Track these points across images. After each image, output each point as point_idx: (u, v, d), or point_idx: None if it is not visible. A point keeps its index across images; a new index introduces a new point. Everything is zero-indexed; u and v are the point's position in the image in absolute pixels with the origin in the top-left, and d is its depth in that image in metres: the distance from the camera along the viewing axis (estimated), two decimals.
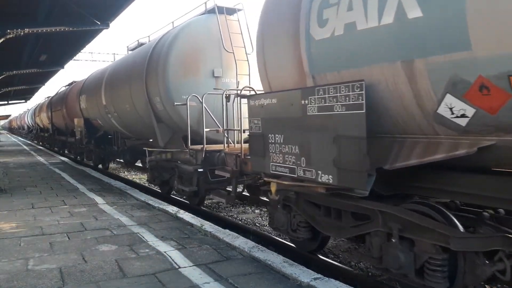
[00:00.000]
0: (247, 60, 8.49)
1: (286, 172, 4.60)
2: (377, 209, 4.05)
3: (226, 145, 7.45)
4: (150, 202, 8.01)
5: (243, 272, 4.19)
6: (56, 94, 23.98)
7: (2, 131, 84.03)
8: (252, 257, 4.61)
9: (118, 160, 17.15)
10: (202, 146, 7.59)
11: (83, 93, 15.19)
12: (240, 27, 8.60)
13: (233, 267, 4.34)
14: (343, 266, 5.39)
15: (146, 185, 12.86)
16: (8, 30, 11.54)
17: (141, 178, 15.04)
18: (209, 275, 4.11)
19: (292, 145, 4.43)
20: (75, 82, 19.75)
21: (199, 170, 7.84)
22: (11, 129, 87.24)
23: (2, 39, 11.79)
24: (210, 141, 7.80)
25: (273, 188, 5.30)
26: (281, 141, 4.59)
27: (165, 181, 9.98)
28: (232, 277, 4.05)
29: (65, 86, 22.37)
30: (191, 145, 7.99)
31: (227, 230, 5.68)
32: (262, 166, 4.98)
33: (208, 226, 5.97)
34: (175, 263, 4.49)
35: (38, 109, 32.06)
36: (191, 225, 6.17)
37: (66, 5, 11.13)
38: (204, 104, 7.60)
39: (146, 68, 9.07)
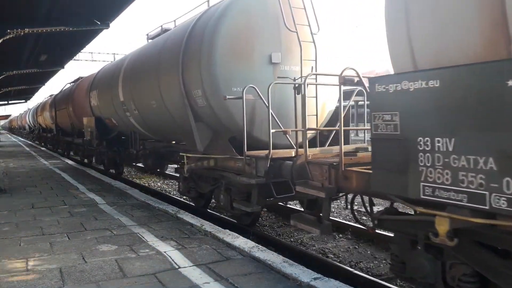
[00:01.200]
0: (313, 42, 6.63)
1: (461, 200, 2.85)
2: None
3: (297, 150, 5.67)
4: (150, 202, 8.01)
5: (243, 272, 4.19)
6: (61, 91, 22.16)
7: (2, 131, 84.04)
8: (252, 257, 4.61)
9: (134, 164, 15.97)
10: (264, 151, 5.79)
11: (93, 89, 13.35)
12: (303, 1, 6.76)
13: (233, 267, 4.34)
14: (343, 266, 5.39)
15: (146, 185, 12.87)
16: (8, 30, 11.54)
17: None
18: (209, 275, 4.11)
19: (476, 156, 2.75)
20: (81, 78, 18.31)
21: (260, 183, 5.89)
22: (11, 129, 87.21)
23: (2, 39, 11.78)
24: (266, 146, 5.76)
25: (442, 225, 3.07)
26: (449, 149, 2.93)
27: (203, 194, 8.22)
28: (232, 277, 4.05)
29: (70, 83, 20.83)
30: (240, 150, 6.21)
31: (227, 230, 5.68)
32: (400, 187, 3.26)
33: (208, 226, 5.97)
34: (175, 263, 4.49)
35: (40, 108, 30.03)
36: (191, 225, 6.17)
37: (66, 5, 11.13)
38: (267, 97, 5.68)
39: (183, 54, 7.14)
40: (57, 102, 21.75)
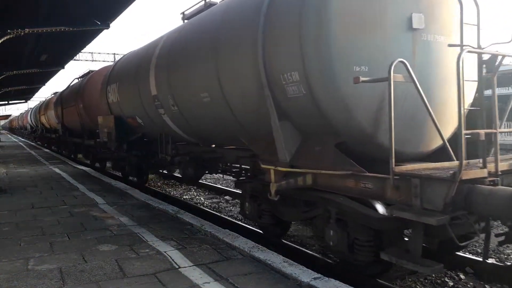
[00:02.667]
0: None
1: None
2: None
3: (461, 164, 3.43)
4: (150, 202, 8.01)
5: (243, 272, 4.20)
6: (68, 88, 19.97)
7: (2, 131, 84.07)
8: (252, 257, 4.61)
9: (164, 172, 13.73)
10: (425, 165, 4.08)
11: (112, 83, 10.96)
12: None
13: (233, 267, 4.34)
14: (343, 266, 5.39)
15: (146, 185, 12.83)
16: (9, 30, 11.53)
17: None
18: (209, 275, 4.11)
19: None
20: (92, 71, 16.70)
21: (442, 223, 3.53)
22: (11, 129, 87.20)
23: (3, 39, 11.77)
24: (387, 155, 3.83)
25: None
26: None
27: (284, 225, 6.42)
28: (232, 277, 4.05)
29: (79, 78, 19.04)
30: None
31: (227, 230, 5.68)
32: None
33: (208, 226, 5.98)
34: (175, 263, 4.49)
35: (44, 106, 27.80)
36: (191, 225, 6.18)
37: (67, 5, 11.13)
38: (412, 78, 3.82)
39: (265, 24, 4.93)
40: (64, 99, 19.55)
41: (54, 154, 22.40)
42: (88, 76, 16.35)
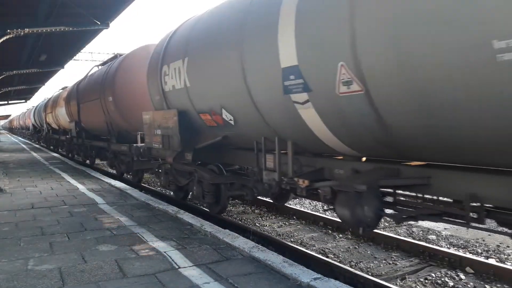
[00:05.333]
0: None
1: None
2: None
3: None
4: (150, 202, 8.00)
5: (243, 272, 4.19)
6: (86, 78, 16.03)
7: (2, 131, 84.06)
8: (252, 257, 4.61)
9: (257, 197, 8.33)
10: None
11: (172, 60, 7.26)
12: None
13: (233, 267, 4.34)
14: (344, 266, 5.39)
15: (146, 185, 12.83)
16: (8, 30, 11.55)
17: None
18: (209, 275, 4.11)
19: None
20: (120, 54, 13.14)
21: None
22: (11, 130, 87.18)
23: (2, 39, 11.78)
24: None
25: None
26: None
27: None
28: (232, 277, 4.04)
29: (99, 66, 15.77)
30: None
31: (227, 230, 5.68)
32: None
33: (208, 226, 5.97)
34: (175, 263, 4.49)
35: (51, 104, 23.80)
36: (191, 225, 6.17)
37: (66, 5, 11.13)
38: None
39: None
40: (82, 92, 15.60)
41: (67, 161, 17.75)
42: (119, 59, 12.23)
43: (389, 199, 4.77)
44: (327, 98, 4.24)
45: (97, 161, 17.85)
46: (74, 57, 21.34)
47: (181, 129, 7.26)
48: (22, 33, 11.81)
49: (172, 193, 10.10)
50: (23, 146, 31.73)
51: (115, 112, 11.90)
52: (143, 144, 10.11)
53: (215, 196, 7.75)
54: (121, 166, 13.30)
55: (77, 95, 16.28)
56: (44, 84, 30.55)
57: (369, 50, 3.63)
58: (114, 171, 14.93)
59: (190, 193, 8.86)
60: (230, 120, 6.11)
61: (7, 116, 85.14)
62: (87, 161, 18.01)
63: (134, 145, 10.76)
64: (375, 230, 6.81)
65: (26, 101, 47.59)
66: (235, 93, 5.67)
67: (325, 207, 5.04)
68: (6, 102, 45.33)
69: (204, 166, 7.86)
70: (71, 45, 17.12)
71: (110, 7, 12.07)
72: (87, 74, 16.27)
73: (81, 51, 21.16)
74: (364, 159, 4.87)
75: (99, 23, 12.60)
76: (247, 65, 5.28)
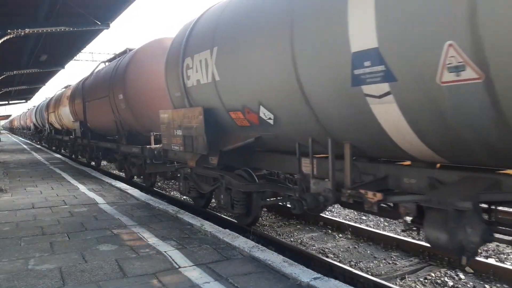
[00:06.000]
0: None
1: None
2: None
3: None
4: (150, 202, 8.01)
5: (243, 271, 4.20)
6: (92, 74, 15.17)
7: (2, 131, 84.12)
8: (252, 257, 4.61)
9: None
10: None
11: (197, 51, 6.41)
12: None
13: (233, 267, 4.35)
14: (343, 266, 5.40)
15: (146, 185, 12.80)
16: (9, 30, 11.56)
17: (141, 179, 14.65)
18: (209, 274, 4.12)
19: None
20: (131, 49, 12.13)
21: None
22: (12, 129, 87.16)
23: (3, 39, 11.80)
24: None
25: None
26: None
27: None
28: (232, 276, 4.05)
29: (105, 62, 14.79)
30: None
31: (227, 230, 5.69)
32: None
33: (208, 226, 5.98)
34: (175, 262, 4.50)
35: (53, 103, 22.98)
36: (191, 225, 6.18)
37: (67, 5, 11.15)
38: None
39: None
40: (88, 90, 14.73)
41: (71, 163, 16.91)
42: (130, 54, 11.18)
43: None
44: (420, 89, 3.31)
45: (102, 162, 17.00)
46: (75, 57, 21.34)
47: (207, 129, 6.43)
48: (22, 33, 11.82)
49: (191, 200, 9.05)
50: (24, 146, 31.72)
51: (125, 111, 10.92)
52: (157, 145, 9.61)
53: (246, 206, 6.82)
54: (132, 169, 12.34)
55: (82, 93, 15.32)
56: (44, 84, 30.60)
57: (496, 24, 2.70)
58: (123, 174, 14.01)
59: (216, 201, 7.68)
60: (269, 119, 5.27)
61: (7, 116, 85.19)
62: (92, 163, 17.13)
63: (148, 146, 10.02)
64: (374, 230, 6.83)
65: (26, 101, 47.66)
66: (280, 86, 4.79)
67: (404, 226, 4.27)
68: (6, 102, 45.37)
69: (230, 171, 6.90)
70: (71, 45, 17.14)
71: (111, 7, 12.08)
72: (93, 70, 15.31)
73: (82, 51, 21.14)
74: (438, 165, 4.02)
75: (100, 23, 12.61)
76: (299, 51, 4.35)
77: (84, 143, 16.73)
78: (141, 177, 12.10)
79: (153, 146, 9.97)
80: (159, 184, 13.44)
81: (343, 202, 4.66)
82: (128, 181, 12.55)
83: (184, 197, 9.75)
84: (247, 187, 6.49)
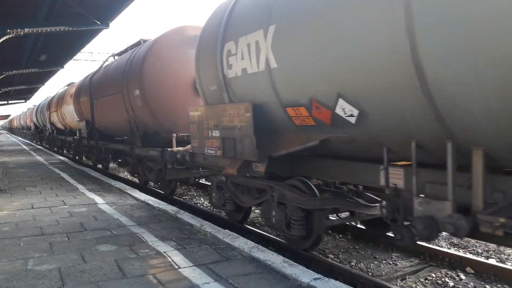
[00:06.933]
0: None
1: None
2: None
3: None
4: (149, 202, 7.99)
5: (243, 272, 4.18)
6: (100, 69, 13.81)
7: (2, 131, 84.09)
8: (252, 257, 4.60)
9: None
10: None
11: (244, 33, 5.27)
12: None
13: (233, 267, 4.33)
14: (343, 266, 5.39)
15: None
16: (8, 30, 11.55)
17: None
18: (209, 275, 4.10)
19: None
20: (144, 40, 11.02)
21: None
22: (11, 129, 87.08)
23: (2, 39, 11.78)
24: None
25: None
26: None
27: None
28: (232, 277, 4.04)
29: (114, 56, 13.45)
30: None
31: (227, 230, 5.67)
32: None
33: (208, 226, 5.96)
34: (175, 263, 4.48)
35: (55, 101, 22.02)
36: (191, 225, 6.16)
37: (66, 5, 11.13)
38: None
39: None
40: (96, 86, 13.36)
41: (78, 166, 15.29)
42: (148, 44, 9.83)
43: None
44: None
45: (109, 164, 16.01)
46: (74, 57, 21.32)
47: (257, 129, 5.29)
48: (22, 33, 11.81)
49: (224, 214, 7.84)
50: (24, 147, 31.65)
51: (142, 109, 9.63)
52: (179, 148, 8.58)
53: (307, 226, 5.40)
54: (148, 175, 10.84)
55: (90, 90, 13.85)
56: (43, 84, 30.59)
57: None
58: (136, 179, 12.66)
59: (263, 219, 6.33)
60: (350, 116, 4.06)
61: (6, 116, 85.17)
62: (99, 166, 16.05)
63: (169, 149, 8.77)
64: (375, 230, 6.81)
65: (25, 101, 47.68)
66: (381, 70, 3.56)
67: None
68: (6, 102, 45.35)
69: (278, 180, 5.67)
70: (71, 45, 17.14)
71: (110, 7, 12.07)
72: (102, 65, 13.95)
73: (81, 51, 21.11)
74: None
75: (99, 22, 12.60)
76: (421, 18, 3.13)
77: (91, 144, 15.35)
78: (158, 183, 10.79)
79: (175, 148, 8.76)
80: (152, 186, 13.25)
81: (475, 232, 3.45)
82: (142, 187, 11.37)
83: (184, 197, 9.69)
84: (312, 203, 5.16)
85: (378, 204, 4.60)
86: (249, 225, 7.63)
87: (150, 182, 11.78)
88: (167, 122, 9.35)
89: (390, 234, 6.72)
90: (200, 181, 10.44)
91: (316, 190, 5.29)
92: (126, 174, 15.24)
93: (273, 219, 5.70)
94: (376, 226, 6.28)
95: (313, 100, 4.42)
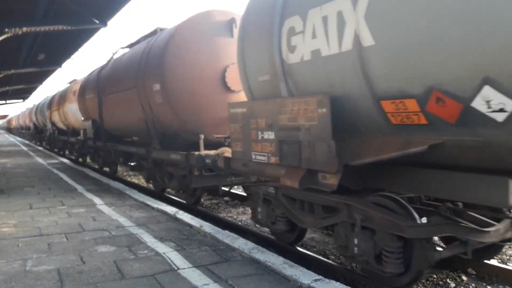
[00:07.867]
0: None
1: None
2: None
3: None
4: (148, 202, 7.95)
5: (243, 273, 4.15)
6: (109, 62, 12.39)
7: (0, 131, 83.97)
8: (252, 259, 4.56)
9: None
10: None
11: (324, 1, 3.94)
12: None
13: (233, 269, 4.30)
14: (344, 267, 5.35)
15: (145, 185, 12.70)
16: (6, 29, 11.49)
17: (139, 179, 14.43)
18: (209, 276, 4.07)
19: None
20: (160, 29, 9.79)
21: None
22: (9, 129, 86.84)
23: (0, 38, 11.72)
24: None
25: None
26: None
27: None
28: (232, 278, 4.00)
29: (124, 48, 12.02)
30: None
31: (227, 231, 5.64)
32: None
33: (208, 227, 5.93)
34: (174, 264, 4.44)
35: (57, 100, 20.90)
36: (190, 226, 6.13)
37: (64, 4, 11.09)
38: None
39: None
40: (105, 82, 11.89)
41: (84, 170, 14.19)
42: (169, 32, 8.48)
43: None
44: None
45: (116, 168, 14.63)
46: (72, 56, 21.25)
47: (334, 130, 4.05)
48: (20, 32, 11.75)
49: (271, 233, 6.37)
50: (23, 147, 31.52)
51: (162, 106, 8.25)
52: (208, 152, 7.47)
53: (404, 260, 4.05)
54: (168, 182, 9.42)
55: (97, 86, 12.31)
56: (41, 83, 30.52)
57: None
58: (151, 186, 11.07)
59: (338, 246, 4.72)
60: (499, 110, 2.83)
61: (5, 116, 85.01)
62: (105, 169, 14.77)
63: (196, 153, 7.52)
64: None
65: (23, 101, 47.61)
66: None
67: None
68: (4, 102, 45.25)
69: (355, 196, 4.38)
70: (69, 44, 17.06)
71: (108, 6, 12.00)
72: (111, 58, 12.46)
73: (79, 50, 21.04)
74: None
75: (97, 21, 12.54)
76: None
77: (97, 146, 13.67)
78: (180, 191, 9.24)
79: (203, 152, 7.57)
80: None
81: None
82: (158, 195, 9.82)
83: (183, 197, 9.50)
84: (419, 230, 3.85)
85: (493, 229, 3.79)
86: (249, 226, 7.60)
87: (168, 189, 10.25)
88: (192, 121, 7.98)
89: None
90: (232, 190, 9.40)
91: (413, 211, 3.95)
92: (142, 181, 13.08)
93: (355, 249, 4.30)
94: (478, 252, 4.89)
95: (433, 90, 3.18)
